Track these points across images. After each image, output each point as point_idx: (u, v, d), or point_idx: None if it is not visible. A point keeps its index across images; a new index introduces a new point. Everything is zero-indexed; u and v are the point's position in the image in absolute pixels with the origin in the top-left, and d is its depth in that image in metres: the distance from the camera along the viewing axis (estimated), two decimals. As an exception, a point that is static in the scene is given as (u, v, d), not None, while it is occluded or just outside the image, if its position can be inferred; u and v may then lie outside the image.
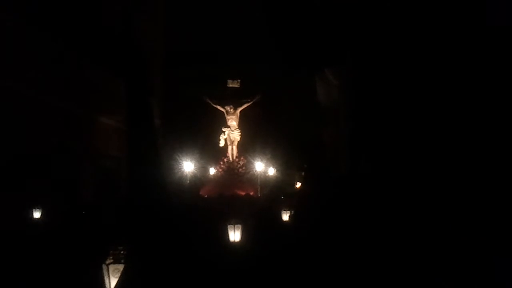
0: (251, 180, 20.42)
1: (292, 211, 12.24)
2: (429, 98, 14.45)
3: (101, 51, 15.36)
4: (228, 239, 9.53)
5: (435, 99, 14.33)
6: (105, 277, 5.16)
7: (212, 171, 21.25)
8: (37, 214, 11.23)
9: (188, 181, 19.16)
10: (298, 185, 19.58)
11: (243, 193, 19.60)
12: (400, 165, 14.37)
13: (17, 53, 12.02)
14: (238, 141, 21.82)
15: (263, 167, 20.33)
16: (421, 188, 12.77)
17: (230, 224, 9.63)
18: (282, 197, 17.96)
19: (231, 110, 21.60)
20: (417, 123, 14.55)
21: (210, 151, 21.41)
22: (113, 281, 5.21)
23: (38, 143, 12.60)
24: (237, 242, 9.51)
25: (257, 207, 15.70)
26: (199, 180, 20.16)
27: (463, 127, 13.61)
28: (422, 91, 14.60)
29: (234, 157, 21.61)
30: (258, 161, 20.22)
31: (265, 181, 20.13)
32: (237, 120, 21.71)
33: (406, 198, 12.29)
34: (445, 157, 13.49)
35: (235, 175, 20.99)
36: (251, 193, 19.64)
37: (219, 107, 21.70)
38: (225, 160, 21.53)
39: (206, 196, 19.70)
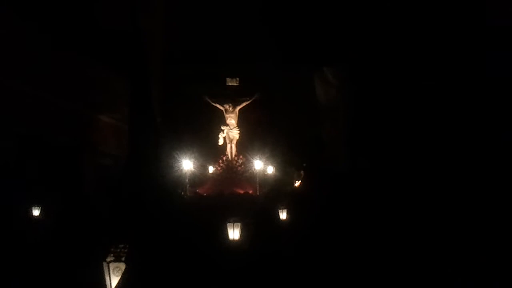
0: (250, 178, 20.39)
1: (285, 209, 12.27)
2: (426, 97, 14.51)
3: (102, 50, 15.37)
4: (228, 237, 9.55)
5: (433, 98, 14.40)
6: (105, 275, 5.18)
7: (211, 169, 21.24)
8: (36, 212, 11.25)
9: (187, 179, 19.14)
10: (297, 183, 19.58)
11: (242, 192, 19.60)
12: (398, 163, 14.43)
13: (16, 52, 12.02)
14: (237, 140, 21.80)
15: (262, 166, 20.33)
16: (418, 186, 12.82)
17: (229, 222, 9.66)
18: (281, 195, 17.95)
19: (230, 108, 21.58)
20: (415, 121, 14.61)
21: (209, 149, 21.37)
22: (114, 280, 5.22)
23: (37, 141, 12.60)
24: (237, 240, 9.54)
25: (256, 206, 15.72)
26: (198, 179, 20.13)
27: (460, 125, 13.66)
28: (420, 90, 14.66)
29: (233, 156, 21.59)
30: (257, 159, 20.21)
31: (264, 179, 20.10)
32: (236, 118, 21.68)
33: (404, 196, 12.34)
34: (443, 155, 13.55)
35: (234, 173, 20.96)
36: (250, 192, 19.63)
37: (218, 106, 21.67)
38: (224, 158, 21.51)
39: (205, 194, 19.69)
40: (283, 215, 12.31)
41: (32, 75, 12.62)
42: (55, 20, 13.53)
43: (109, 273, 5.16)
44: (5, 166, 11.37)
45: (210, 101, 21.49)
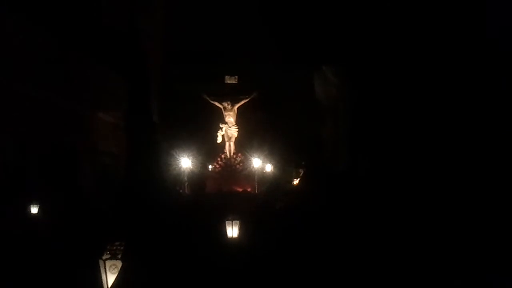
0: (248, 176, 20.43)
1: (284, 207, 12.30)
2: (426, 97, 14.50)
3: (100, 49, 15.36)
4: (226, 234, 9.55)
5: (433, 98, 14.39)
6: (102, 273, 5.17)
7: (209, 167, 21.26)
8: (34, 210, 11.24)
9: (185, 178, 19.16)
10: (296, 181, 19.60)
11: (240, 190, 19.64)
12: (398, 162, 14.43)
13: (15, 52, 12.01)
14: (236, 138, 21.82)
15: (260, 164, 20.35)
16: (418, 185, 12.83)
17: (228, 220, 9.65)
18: (280, 193, 17.98)
19: (229, 106, 21.60)
20: (415, 121, 14.60)
21: (208, 147, 21.39)
22: (110, 277, 5.22)
23: (36, 140, 12.60)
24: (235, 238, 9.53)
25: (254, 204, 15.75)
26: (197, 177, 20.15)
27: (460, 124, 13.66)
28: (420, 90, 14.65)
29: (232, 154, 21.61)
30: (255, 157, 20.24)
31: (262, 177, 20.14)
32: (235, 116, 21.70)
33: (404, 195, 12.36)
34: (442, 155, 13.55)
35: (232, 171, 21.00)
36: (249, 190, 19.68)
37: (216, 104, 21.69)
38: (223, 156, 21.54)
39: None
40: (281, 213, 12.33)
41: (31, 75, 12.60)
42: (55, 20, 13.52)
43: (106, 271, 5.15)
44: (5, 166, 11.36)
45: (208, 98, 21.49)
